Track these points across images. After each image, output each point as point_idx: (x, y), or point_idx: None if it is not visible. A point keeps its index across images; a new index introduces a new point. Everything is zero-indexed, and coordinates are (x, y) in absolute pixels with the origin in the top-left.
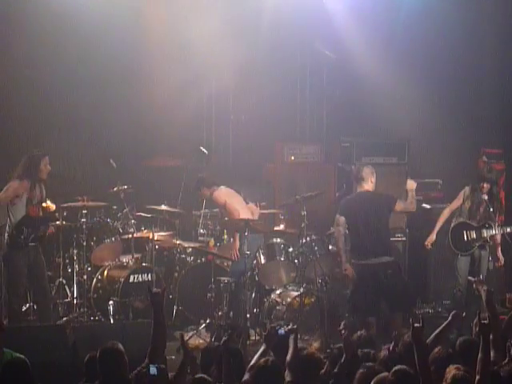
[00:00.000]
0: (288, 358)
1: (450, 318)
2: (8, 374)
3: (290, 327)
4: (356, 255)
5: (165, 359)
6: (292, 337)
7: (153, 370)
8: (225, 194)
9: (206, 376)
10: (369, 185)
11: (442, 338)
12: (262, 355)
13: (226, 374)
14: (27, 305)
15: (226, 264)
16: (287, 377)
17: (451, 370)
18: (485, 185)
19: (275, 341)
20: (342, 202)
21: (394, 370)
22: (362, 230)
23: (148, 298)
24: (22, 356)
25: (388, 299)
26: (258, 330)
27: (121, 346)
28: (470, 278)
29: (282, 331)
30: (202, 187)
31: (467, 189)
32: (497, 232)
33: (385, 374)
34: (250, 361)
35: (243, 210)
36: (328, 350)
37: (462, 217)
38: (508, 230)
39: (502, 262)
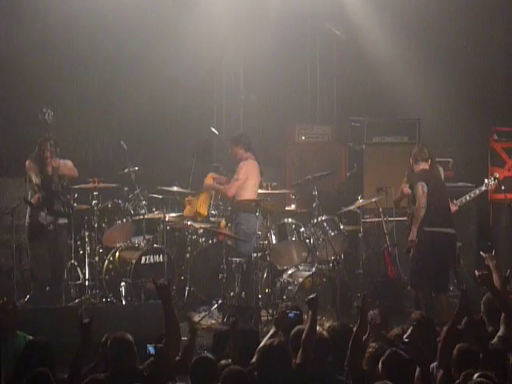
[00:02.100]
0: (303, 336)
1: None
2: (31, 354)
3: (297, 313)
4: (430, 223)
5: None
6: (309, 313)
7: (151, 349)
8: (251, 170)
9: (209, 355)
10: (428, 164)
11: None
12: (271, 338)
13: (234, 355)
14: (27, 296)
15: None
16: (298, 358)
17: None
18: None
19: (285, 324)
20: (417, 174)
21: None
22: (436, 201)
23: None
24: (43, 338)
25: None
26: (270, 310)
27: (130, 336)
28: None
29: (291, 314)
30: (239, 145)
31: None
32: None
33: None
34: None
35: (254, 193)
36: None
37: None
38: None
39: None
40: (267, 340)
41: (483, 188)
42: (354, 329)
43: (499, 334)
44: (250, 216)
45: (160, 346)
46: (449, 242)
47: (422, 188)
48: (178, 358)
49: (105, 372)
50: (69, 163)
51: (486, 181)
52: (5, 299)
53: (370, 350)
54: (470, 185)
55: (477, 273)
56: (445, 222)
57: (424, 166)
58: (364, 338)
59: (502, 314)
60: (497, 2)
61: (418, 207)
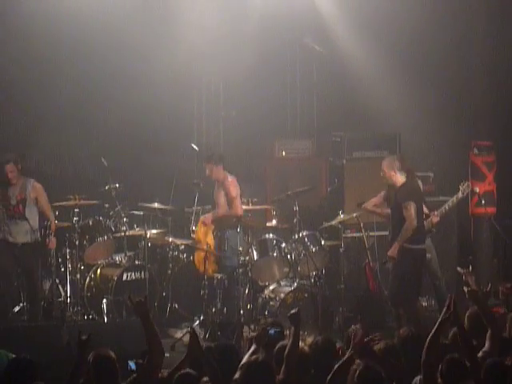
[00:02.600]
0: (286, 352)
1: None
2: (14, 372)
3: (278, 329)
4: (412, 241)
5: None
6: (291, 332)
7: (132, 365)
8: (237, 186)
9: (191, 371)
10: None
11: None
12: (252, 355)
13: (210, 373)
14: (20, 304)
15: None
16: (281, 374)
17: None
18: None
19: (265, 341)
20: (407, 191)
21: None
22: (419, 219)
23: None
24: (26, 356)
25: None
26: (252, 326)
27: (112, 353)
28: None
29: (272, 331)
30: (218, 164)
31: None
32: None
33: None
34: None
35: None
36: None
37: None
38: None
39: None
40: (250, 356)
41: (460, 195)
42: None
43: (484, 349)
44: (234, 232)
45: (141, 361)
46: (424, 256)
47: (413, 208)
48: (166, 374)
49: None
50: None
51: (460, 187)
52: None
53: (354, 367)
54: (450, 199)
55: (465, 289)
56: (422, 238)
57: (403, 177)
58: (347, 355)
59: (489, 331)
60: (476, 16)
61: (409, 228)
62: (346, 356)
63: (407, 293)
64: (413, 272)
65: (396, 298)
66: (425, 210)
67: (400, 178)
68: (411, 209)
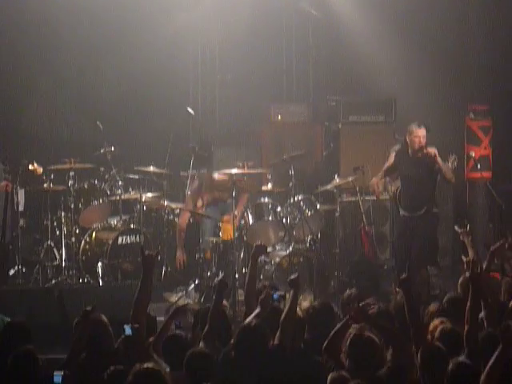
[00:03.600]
0: (282, 317)
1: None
2: (9, 336)
3: (282, 293)
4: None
5: (154, 319)
6: (291, 293)
7: (128, 330)
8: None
9: (181, 332)
10: None
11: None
12: (255, 318)
13: (208, 334)
14: (15, 267)
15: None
16: (276, 339)
17: (437, 325)
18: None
19: (270, 305)
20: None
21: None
22: None
23: (140, 259)
24: (21, 319)
25: None
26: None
27: (104, 318)
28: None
29: (276, 296)
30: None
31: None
32: None
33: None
34: (239, 321)
35: None
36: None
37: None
38: None
39: None
40: (252, 319)
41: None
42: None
43: (481, 315)
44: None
45: (137, 326)
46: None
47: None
48: (152, 338)
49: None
50: None
51: (449, 160)
52: None
53: (350, 331)
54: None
55: (464, 259)
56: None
57: None
58: (343, 321)
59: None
60: None
61: (452, 178)
62: (342, 322)
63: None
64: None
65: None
66: None
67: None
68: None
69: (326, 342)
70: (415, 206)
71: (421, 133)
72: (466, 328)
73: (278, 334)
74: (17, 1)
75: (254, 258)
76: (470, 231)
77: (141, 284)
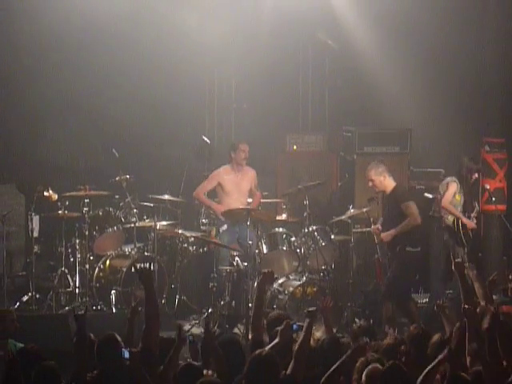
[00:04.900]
0: (297, 347)
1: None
2: (21, 362)
3: (301, 324)
4: (411, 243)
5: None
6: (306, 324)
7: (125, 353)
8: None
9: (194, 362)
10: None
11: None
12: (272, 348)
13: (219, 366)
14: (29, 294)
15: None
16: (289, 369)
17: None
18: (474, 175)
19: (290, 335)
20: (401, 190)
21: (387, 364)
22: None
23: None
24: (34, 346)
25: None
26: None
27: (118, 337)
28: (457, 260)
29: (296, 326)
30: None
31: (453, 181)
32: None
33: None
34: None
35: None
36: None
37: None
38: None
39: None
40: (271, 349)
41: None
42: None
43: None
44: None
45: (135, 350)
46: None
47: (415, 207)
48: (161, 368)
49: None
50: None
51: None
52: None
53: (358, 364)
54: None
55: (454, 260)
56: (421, 240)
57: (392, 180)
58: (348, 352)
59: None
60: (489, 12)
61: (412, 224)
62: (347, 354)
63: (402, 291)
64: (412, 274)
65: (389, 292)
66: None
67: (390, 182)
68: (413, 207)
69: (324, 377)
70: (390, 244)
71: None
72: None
73: (291, 364)
74: (31, 28)
75: (261, 286)
76: (475, 265)
77: (146, 300)
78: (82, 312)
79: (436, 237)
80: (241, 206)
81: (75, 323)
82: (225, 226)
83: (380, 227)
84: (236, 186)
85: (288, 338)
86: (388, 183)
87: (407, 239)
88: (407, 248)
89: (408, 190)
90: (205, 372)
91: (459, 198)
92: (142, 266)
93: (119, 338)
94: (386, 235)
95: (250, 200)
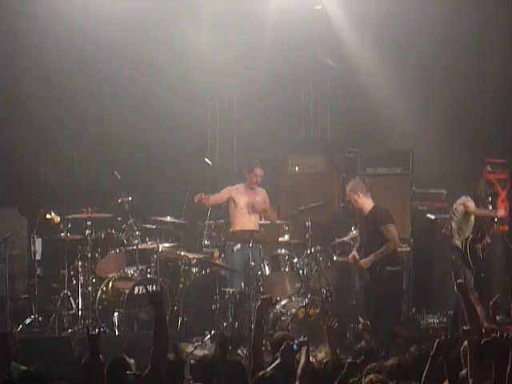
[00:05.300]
0: (299, 370)
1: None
2: None
3: (300, 340)
4: (392, 263)
5: (183, 363)
6: (304, 349)
7: (130, 376)
8: None
9: None
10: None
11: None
12: (274, 369)
13: None
14: (32, 317)
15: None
16: None
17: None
18: (489, 199)
19: (291, 356)
20: (381, 212)
21: None
22: None
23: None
24: (37, 369)
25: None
26: (263, 341)
27: (128, 359)
28: (459, 281)
29: (296, 347)
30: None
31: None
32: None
33: None
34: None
35: None
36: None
37: (467, 232)
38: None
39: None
40: (272, 370)
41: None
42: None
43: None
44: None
45: (139, 372)
46: (402, 277)
47: (395, 230)
48: None
49: None
50: None
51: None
52: (13, 331)
53: (367, 380)
54: None
55: (456, 281)
56: (401, 259)
57: (369, 200)
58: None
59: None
60: (489, 33)
61: (391, 248)
62: (344, 371)
63: (389, 317)
64: (395, 294)
65: (378, 322)
66: None
67: (366, 201)
68: (394, 230)
69: None
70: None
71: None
72: None
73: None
74: (34, 50)
75: (260, 312)
76: (475, 289)
77: (155, 322)
78: (96, 332)
79: (444, 255)
80: (252, 226)
81: (88, 342)
82: (238, 246)
83: (356, 254)
84: (249, 205)
85: (289, 358)
86: (363, 202)
87: (386, 259)
88: (387, 267)
89: (387, 211)
90: None
91: (472, 219)
92: (153, 288)
93: (129, 361)
94: (366, 262)
95: (262, 222)
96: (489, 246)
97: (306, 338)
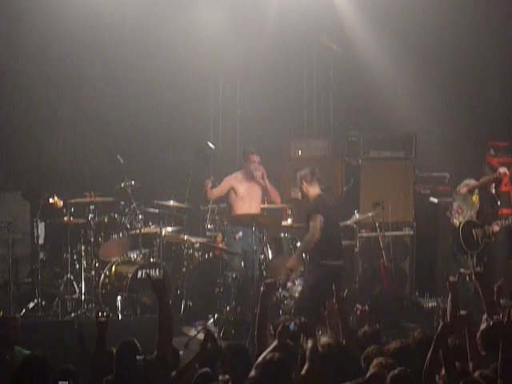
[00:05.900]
0: (308, 352)
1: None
2: (28, 369)
3: (300, 320)
4: (327, 256)
5: (177, 352)
6: (308, 332)
7: (139, 361)
8: None
9: (208, 370)
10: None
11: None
12: (272, 351)
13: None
14: (35, 301)
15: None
16: (304, 371)
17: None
18: (493, 184)
19: (287, 337)
20: (315, 204)
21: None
22: (333, 232)
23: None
24: (40, 352)
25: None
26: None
27: (137, 343)
28: (462, 270)
29: (292, 326)
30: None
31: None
32: (499, 228)
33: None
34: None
35: None
36: None
37: (469, 213)
38: (506, 222)
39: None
40: (267, 354)
41: None
42: None
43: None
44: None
45: (149, 357)
46: (338, 272)
47: (319, 222)
48: (173, 374)
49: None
50: None
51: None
52: (15, 315)
53: (375, 362)
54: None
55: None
56: (339, 254)
57: (317, 188)
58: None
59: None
60: (493, 16)
61: (310, 240)
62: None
63: (313, 305)
64: (322, 287)
65: (301, 306)
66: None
67: (311, 190)
68: (316, 222)
69: None
70: (311, 257)
71: None
72: None
73: (306, 365)
74: (37, 36)
75: (264, 296)
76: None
77: (159, 310)
78: (104, 318)
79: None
80: (253, 211)
81: (97, 328)
82: (240, 233)
83: None
84: (249, 192)
85: (285, 339)
86: (308, 190)
87: (328, 252)
88: (326, 261)
89: (321, 200)
90: (220, 377)
91: (476, 200)
92: (155, 274)
93: (138, 345)
94: (290, 262)
95: (265, 206)
96: (495, 235)
97: (305, 320)
